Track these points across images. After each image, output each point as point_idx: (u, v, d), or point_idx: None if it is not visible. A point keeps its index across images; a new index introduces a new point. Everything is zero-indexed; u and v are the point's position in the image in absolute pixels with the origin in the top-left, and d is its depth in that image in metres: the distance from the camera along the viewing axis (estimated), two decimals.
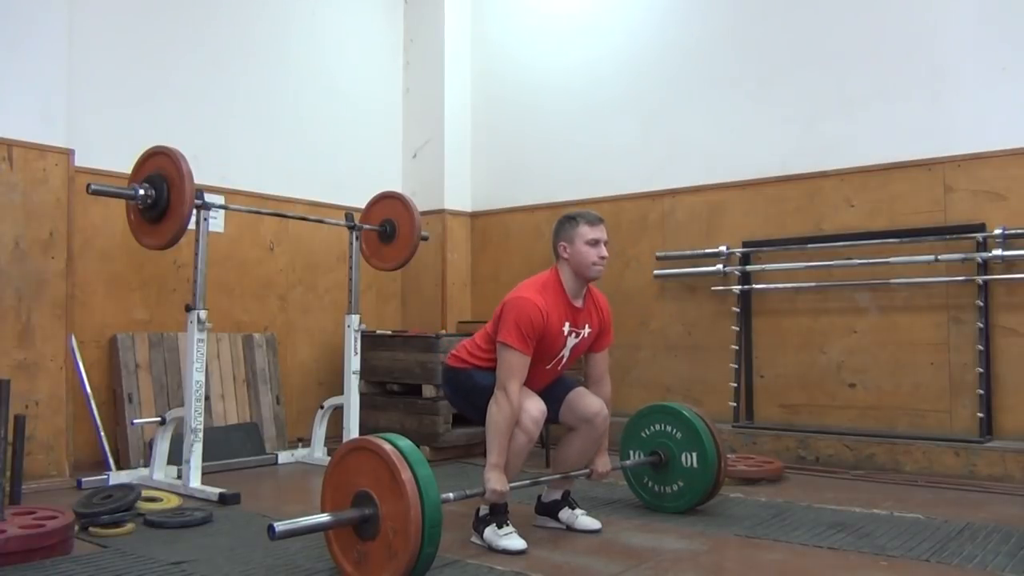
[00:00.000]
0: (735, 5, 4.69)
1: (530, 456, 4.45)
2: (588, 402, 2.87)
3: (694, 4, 4.85)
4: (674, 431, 3.18)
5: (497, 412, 2.63)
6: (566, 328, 2.78)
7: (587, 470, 2.94)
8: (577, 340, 2.83)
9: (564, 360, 2.85)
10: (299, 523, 2.18)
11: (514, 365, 2.65)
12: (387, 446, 2.21)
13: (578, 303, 2.82)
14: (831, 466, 4.00)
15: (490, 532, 2.66)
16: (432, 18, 5.72)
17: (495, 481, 2.60)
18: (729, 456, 4.07)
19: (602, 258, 2.78)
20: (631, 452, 3.28)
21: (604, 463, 2.97)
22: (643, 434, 3.26)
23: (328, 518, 2.25)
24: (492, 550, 2.63)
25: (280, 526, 2.09)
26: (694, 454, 3.10)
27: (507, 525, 2.67)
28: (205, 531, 2.92)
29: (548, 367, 2.83)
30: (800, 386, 4.34)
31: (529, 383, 2.75)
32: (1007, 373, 3.78)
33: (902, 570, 2.42)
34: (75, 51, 3.95)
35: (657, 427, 3.23)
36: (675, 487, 3.17)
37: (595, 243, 2.78)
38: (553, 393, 2.89)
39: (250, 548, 2.68)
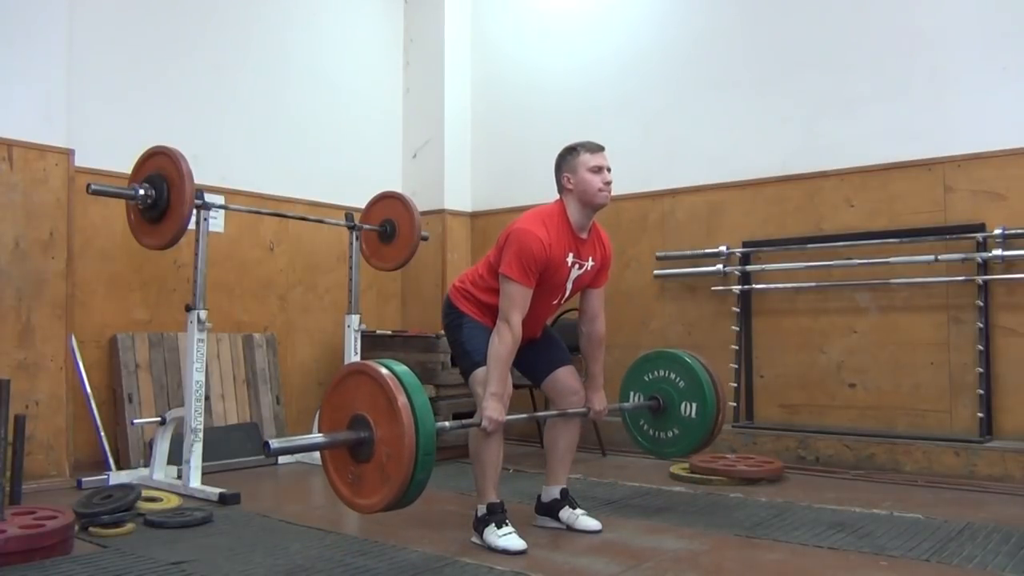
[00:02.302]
0: (735, 5, 4.69)
1: (529, 457, 4.47)
2: (568, 382, 2.92)
3: (694, 4, 4.85)
4: (677, 379, 3.17)
5: (499, 343, 2.65)
6: (570, 259, 2.78)
7: (585, 408, 2.95)
8: (580, 272, 2.84)
9: (567, 293, 2.87)
10: (294, 441, 2.22)
11: (516, 297, 2.67)
12: (384, 371, 2.23)
13: (583, 235, 2.83)
14: (831, 466, 4.00)
15: (489, 532, 2.66)
16: (432, 18, 5.72)
17: (492, 409, 2.61)
18: (729, 456, 4.08)
19: (607, 183, 2.79)
20: (631, 394, 3.28)
21: (601, 400, 2.98)
22: (645, 378, 3.26)
23: (323, 438, 2.28)
24: (492, 550, 2.63)
25: (275, 443, 2.13)
26: (694, 404, 3.11)
27: (506, 525, 2.67)
28: (205, 531, 2.92)
29: (553, 301, 2.85)
30: (800, 386, 4.34)
31: (532, 315, 2.77)
32: (1007, 373, 3.78)
33: (902, 570, 2.42)
34: (75, 51, 3.95)
35: (660, 373, 3.22)
36: (671, 433, 3.17)
37: (598, 170, 2.78)
38: (546, 358, 2.92)
39: (250, 548, 2.68)
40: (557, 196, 2.87)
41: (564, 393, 2.92)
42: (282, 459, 4.37)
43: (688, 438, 3.14)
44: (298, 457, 4.42)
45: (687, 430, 3.14)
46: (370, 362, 2.31)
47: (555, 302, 2.88)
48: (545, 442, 3.01)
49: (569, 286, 2.85)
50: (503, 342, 2.65)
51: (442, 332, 4.73)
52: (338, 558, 2.56)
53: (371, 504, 2.25)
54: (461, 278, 2.95)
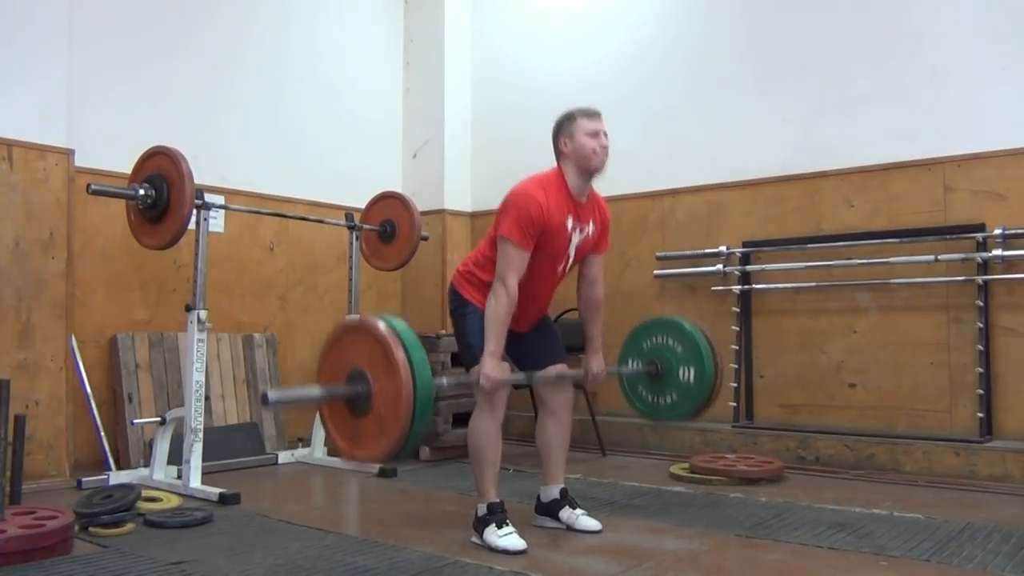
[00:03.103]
0: (735, 5, 4.69)
1: (529, 457, 4.47)
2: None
3: (694, 4, 4.85)
4: (675, 344, 3.17)
5: (495, 303, 2.65)
6: (569, 223, 2.79)
7: (583, 371, 2.97)
8: (582, 237, 2.85)
9: (570, 260, 2.87)
10: (292, 393, 2.25)
11: (512, 259, 2.67)
12: (382, 325, 2.24)
13: (582, 200, 2.84)
14: (831, 466, 4.00)
15: (489, 532, 2.66)
16: (432, 18, 5.72)
17: (491, 367, 2.61)
18: (729, 456, 4.08)
19: (603, 147, 2.82)
20: (630, 360, 3.27)
21: (599, 362, 2.99)
22: (644, 345, 3.26)
23: (321, 391, 2.32)
24: (492, 550, 2.62)
25: (273, 394, 2.16)
26: (692, 370, 3.10)
27: (506, 525, 2.67)
28: (205, 531, 2.92)
29: (557, 268, 2.84)
30: (800, 386, 4.34)
31: (535, 285, 2.78)
32: (1007, 373, 3.78)
33: (902, 570, 2.42)
34: (75, 51, 3.95)
35: (659, 339, 3.22)
36: (670, 398, 3.18)
37: (595, 134, 2.81)
38: (540, 351, 2.92)
39: (250, 548, 2.68)
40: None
41: (555, 389, 2.93)
42: (282, 459, 4.37)
43: (686, 403, 3.14)
44: (298, 457, 4.42)
45: (685, 395, 3.14)
46: (368, 317, 2.33)
47: (559, 269, 2.85)
48: (537, 443, 3.00)
49: (572, 252, 2.84)
50: (499, 302, 2.64)
51: (442, 332, 4.79)
52: (338, 558, 2.56)
53: (370, 454, 2.28)
54: (464, 261, 2.95)
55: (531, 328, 2.95)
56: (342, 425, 2.33)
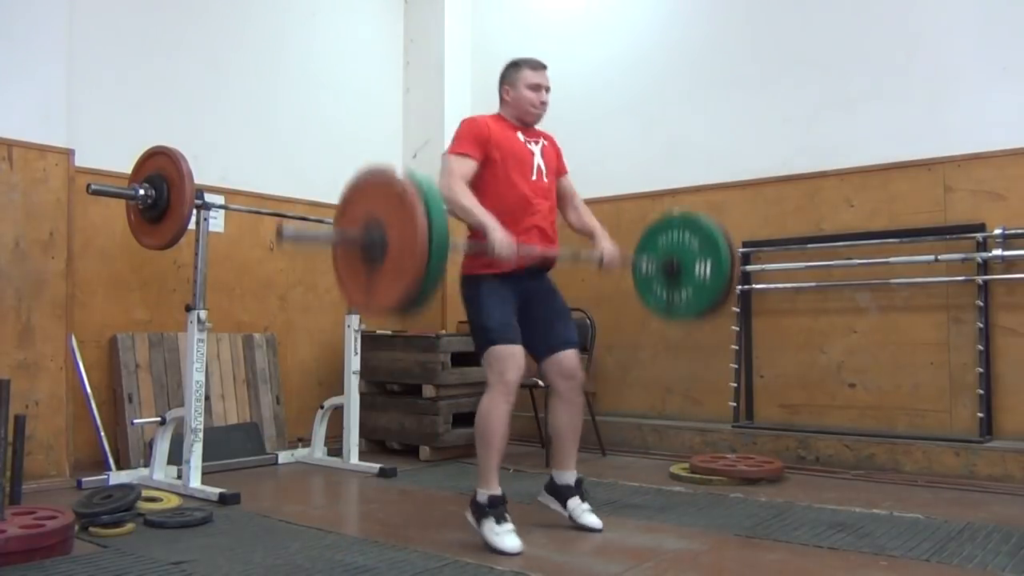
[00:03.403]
0: (735, 6, 4.69)
1: (529, 456, 4.47)
2: (566, 363, 2.90)
3: (694, 5, 4.85)
4: (691, 239, 3.11)
5: (450, 192, 2.66)
6: (522, 137, 2.90)
7: (599, 254, 2.97)
8: (540, 150, 2.94)
9: (543, 171, 2.92)
10: (308, 232, 2.28)
11: (452, 165, 2.76)
12: (402, 174, 2.27)
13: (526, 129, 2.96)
14: (831, 466, 4.00)
15: (487, 527, 2.65)
16: (432, 18, 5.72)
17: (500, 238, 2.60)
18: (729, 456, 4.08)
19: (543, 102, 2.94)
20: (645, 259, 3.21)
21: (610, 243, 3.00)
22: (659, 241, 3.21)
23: (336, 233, 2.34)
24: (487, 546, 2.61)
25: (289, 229, 2.18)
26: (708, 262, 3.04)
27: (506, 521, 2.66)
28: (205, 531, 2.92)
29: (533, 179, 2.88)
30: (800, 386, 4.34)
31: (519, 189, 2.82)
32: (1007, 373, 3.78)
33: (902, 570, 2.42)
34: (75, 51, 3.95)
35: (675, 235, 3.17)
36: (684, 294, 3.11)
37: (536, 88, 2.91)
38: (553, 333, 2.90)
39: (250, 548, 2.68)
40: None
41: (565, 375, 2.90)
42: (282, 459, 4.37)
43: (701, 298, 3.05)
44: (298, 457, 4.42)
45: (700, 290, 3.05)
46: (387, 166, 2.35)
47: (532, 174, 2.88)
48: (551, 430, 2.99)
49: (540, 163, 2.91)
50: (452, 189, 2.68)
51: (442, 332, 4.79)
52: (338, 558, 2.56)
53: (385, 301, 2.27)
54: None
55: (541, 290, 2.92)
56: (356, 276, 2.33)
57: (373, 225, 2.28)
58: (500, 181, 2.83)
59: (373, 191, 2.32)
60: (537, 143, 2.97)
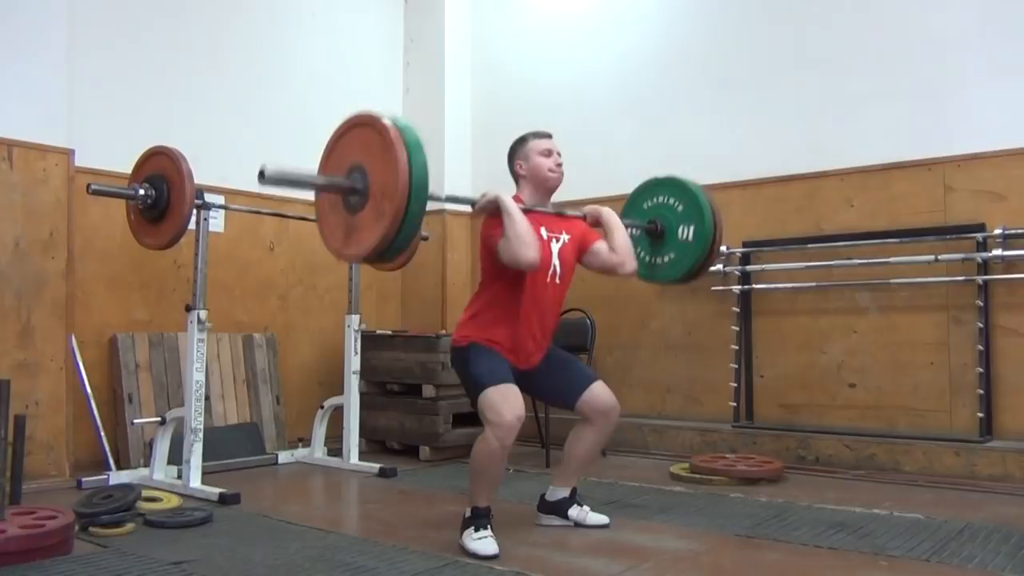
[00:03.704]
0: (735, 6, 4.69)
1: (529, 457, 4.47)
2: (605, 398, 2.86)
3: (694, 5, 4.85)
4: (676, 203, 3.12)
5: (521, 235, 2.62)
6: (544, 233, 2.83)
7: (582, 211, 2.96)
8: (560, 245, 2.87)
9: (558, 272, 2.86)
10: (290, 171, 2.29)
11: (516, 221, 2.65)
12: (386, 120, 2.28)
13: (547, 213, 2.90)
14: (831, 466, 4.00)
15: (466, 534, 2.63)
16: (432, 18, 5.72)
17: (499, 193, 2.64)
18: (729, 456, 4.08)
19: (558, 165, 2.90)
20: (629, 220, 3.19)
21: (599, 208, 2.97)
22: (645, 206, 3.22)
23: (319, 177, 2.37)
24: (464, 551, 2.59)
25: (271, 168, 2.17)
26: (691, 226, 3.05)
27: (484, 529, 2.62)
28: (205, 531, 2.92)
29: (547, 280, 2.83)
30: (800, 386, 4.34)
31: (532, 294, 2.78)
32: (1007, 373, 3.78)
33: (902, 570, 2.42)
34: (75, 51, 3.95)
35: (660, 199, 3.18)
36: (667, 258, 3.13)
37: (548, 153, 2.90)
38: (572, 384, 2.88)
39: (250, 548, 2.68)
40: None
41: (604, 409, 2.85)
42: (282, 459, 4.37)
43: (684, 260, 3.08)
44: (298, 457, 4.42)
45: (683, 253, 3.08)
46: (373, 112, 2.36)
47: (548, 278, 2.82)
48: (569, 446, 2.95)
49: (557, 263, 2.85)
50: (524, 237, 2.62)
51: (442, 332, 4.79)
52: (338, 558, 2.56)
53: (361, 248, 2.28)
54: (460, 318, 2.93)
55: (540, 363, 2.88)
56: (337, 220, 2.36)
57: (356, 170, 2.30)
58: (512, 283, 2.75)
59: (355, 136, 2.35)
60: (559, 237, 2.87)
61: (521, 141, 2.95)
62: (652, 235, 3.16)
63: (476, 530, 2.63)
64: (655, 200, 3.21)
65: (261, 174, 2.15)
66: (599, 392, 2.87)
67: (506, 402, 2.59)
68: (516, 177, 2.95)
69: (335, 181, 2.33)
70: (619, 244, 2.88)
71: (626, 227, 3.05)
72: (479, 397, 2.64)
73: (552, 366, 2.91)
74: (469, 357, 2.74)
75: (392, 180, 2.19)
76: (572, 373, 2.92)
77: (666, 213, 3.16)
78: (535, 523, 2.96)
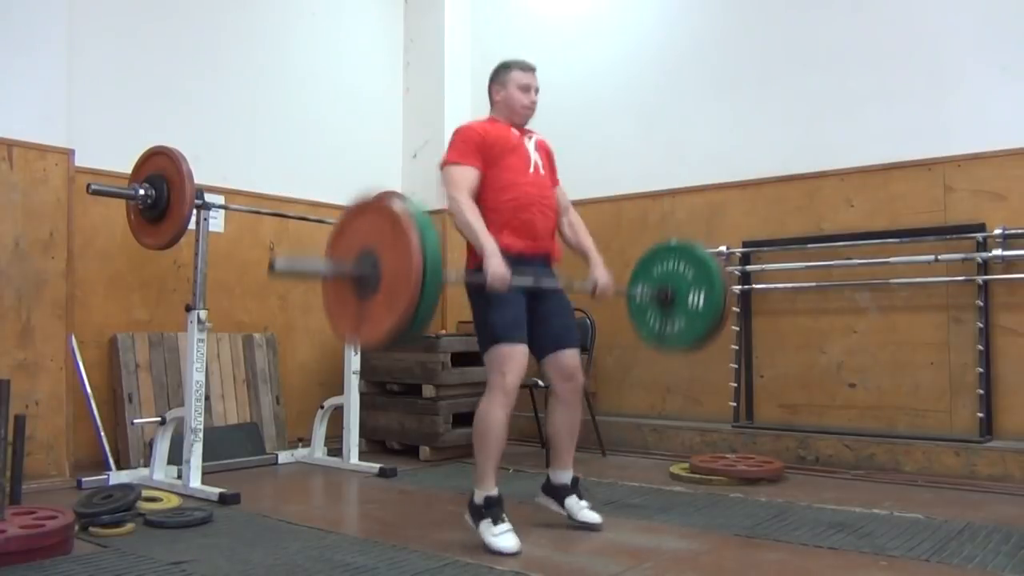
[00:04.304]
0: (735, 5, 4.69)
1: (529, 456, 4.47)
2: (567, 362, 2.90)
3: (694, 5, 4.85)
4: (686, 270, 3.11)
5: (455, 207, 2.74)
6: (516, 137, 2.90)
7: (591, 284, 2.96)
8: (535, 146, 2.95)
9: (539, 166, 2.92)
10: (300, 263, 2.24)
11: (455, 177, 2.78)
12: (396, 204, 2.24)
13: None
14: (831, 466, 4.00)
15: (485, 528, 2.65)
16: (432, 18, 5.72)
17: (496, 265, 2.61)
18: (729, 456, 4.08)
19: (532, 102, 2.96)
20: (640, 286, 3.20)
21: (604, 273, 2.98)
22: (654, 271, 3.20)
23: (329, 265, 2.29)
24: (485, 547, 2.61)
25: (281, 262, 2.15)
26: (701, 293, 3.03)
27: (503, 522, 2.65)
28: (205, 531, 2.92)
29: (529, 170, 2.88)
30: (800, 386, 4.34)
31: (520, 186, 2.82)
32: (1007, 373, 3.78)
33: (902, 570, 2.42)
34: (75, 51, 3.95)
35: (670, 265, 3.16)
36: (677, 325, 3.11)
37: (526, 88, 2.94)
38: (555, 333, 2.88)
39: (250, 548, 2.68)
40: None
41: (564, 375, 2.90)
42: (282, 459, 4.37)
43: (694, 328, 3.05)
44: (298, 457, 4.42)
45: (693, 320, 3.05)
46: (381, 195, 2.33)
47: (531, 170, 2.89)
48: (548, 430, 2.99)
49: (534, 156, 2.91)
50: (459, 208, 2.72)
51: (442, 332, 4.78)
52: (338, 558, 2.56)
53: (375, 332, 2.23)
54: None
55: (546, 302, 2.88)
56: (346, 307, 2.29)
57: (366, 256, 2.24)
58: (498, 179, 2.83)
59: (365, 220, 2.29)
60: (531, 139, 2.98)
61: (504, 67, 2.99)
62: (662, 302, 3.15)
63: (495, 523, 2.64)
64: (665, 266, 3.18)
65: (271, 267, 2.14)
66: (567, 357, 2.90)
67: (515, 361, 2.70)
68: (491, 102, 3.01)
69: (346, 269, 2.26)
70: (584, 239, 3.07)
71: (636, 292, 3.16)
72: (491, 347, 2.72)
73: (549, 307, 2.90)
74: (491, 298, 2.71)
75: (405, 267, 2.13)
76: (557, 327, 2.90)
77: (676, 280, 3.14)
78: (531, 523, 2.94)
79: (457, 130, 2.91)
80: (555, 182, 3.07)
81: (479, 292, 2.75)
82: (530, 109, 2.97)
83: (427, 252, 2.15)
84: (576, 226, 3.10)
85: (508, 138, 2.89)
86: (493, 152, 2.82)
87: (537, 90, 2.98)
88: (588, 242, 3.08)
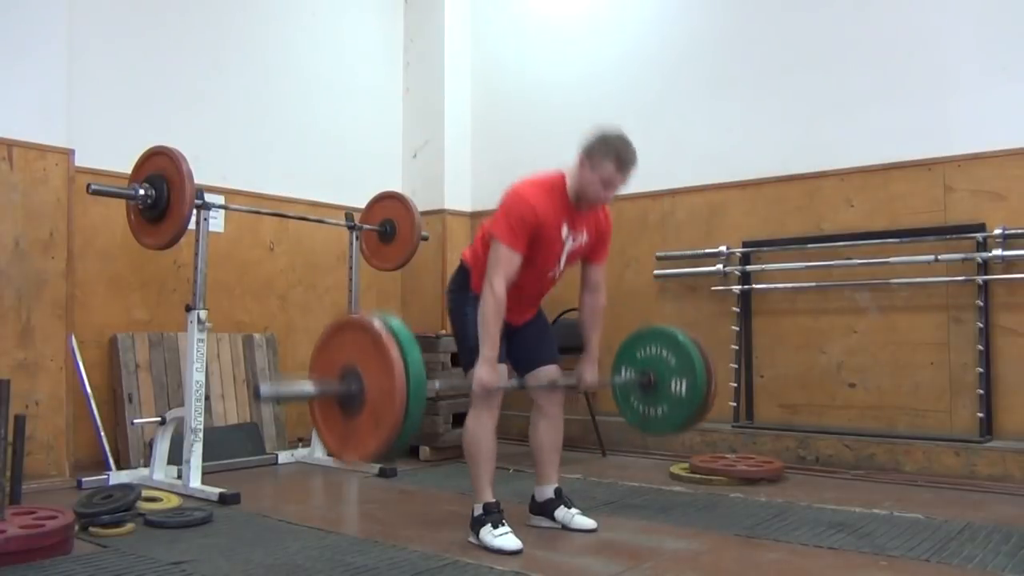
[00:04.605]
0: (735, 5, 4.69)
1: (529, 456, 4.46)
2: (549, 375, 2.92)
3: (694, 4, 4.85)
4: (668, 356, 3.13)
5: (485, 308, 2.64)
6: (564, 230, 2.77)
7: (575, 380, 2.97)
8: (574, 245, 2.83)
9: (560, 268, 2.86)
10: (285, 388, 2.23)
11: (501, 260, 2.65)
12: (377, 322, 2.23)
13: (580, 206, 2.80)
14: (831, 466, 4.00)
15: (485, 532, 2.66)
16: (432, 18, 5.72)
17: (485, 372, 2.62)
18: (729, 456, 4.08)
19: (606, 199, 2.77)
20: (623, 369, 3.23)
21: (592, 372, 2.98)
22: (638, 354, 3.23)
23: (313, 388, 2.27)
24: (488, 550, 2.62)
25: (266, 388, 2.13)
26: (684, 381, 3.06)
27: (502, 525, 2.67)
28: (205, 531, 2.92)
29: (548, 274, 2.84)
30: (800, 386, 4.34)
31: (525, 291, 2.79)
32: (1007, 373, 3.78)
33: (902, 570, 2.42)
34: (75, 51, 3.95)
35: (653, 350, 3.18)
36: (660, 410, 3.14)
37: (609, 185, 2.71)
38: (534, 352, 2.92)
39: (250, 548, 2.68)
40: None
41: (545, 391, 2.93)
42: (282, 459, 4.37)
43: (676, 416, 3.10)
44: (298, 457, 4.42)
45: (676, 407, 3.09)
46: (363, 314, 2.32)
47: (548, 275, 2.85)
48: (531, 444, 3.01)
49: (562, 260, 2.84)
50: (488, 307, 2.63)
51: (442, 332, 4.79)
52: (338, 558, 2.56)
53: (360, 454, 2.25)
54: (466, 250, 2.94)
55: (524, 323, 2.93)
56: (333, 425, 2.31)
57: (350, 373, 2.24)
58: (519, 272, 2.72)
59: (346, 337, 2.30)
60: (577, 237, 2.82)
61: (604, 150, 2.70)
62: (644, 387, 3.17)
63: (495, 527, 2.65)
64: (647, 351, 3.20)
65: (256, 395, 2.14)
66: (547, 374, 2.91)
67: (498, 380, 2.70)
68: (576, 161, 2.76)
69: (330, 388, 2.26)
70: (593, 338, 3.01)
71: (619, 376, 3.18)
72: (472, 369, 2.70)
73: (530, 329, 2.93)
74: (467, 313, 2.76)
75: (389, 387, 2.13)
76: (536, 346, 2.93)
77: (659, 365, 3.15)
78: (527, 524, 2.95)
79: (518, 196, 2.68)
80: (600, 260, 2.96)
81: (459, 311, 2.81)
82: (600, 204, 2.81)
83: (410, 372, 2.14)
84: (595, 313, 3.00)
85: (552, 225, 2.72)
86: (532, 238, 2.69)
87: (617, 191, 2.76)
88: (595, 337, 3.01)
